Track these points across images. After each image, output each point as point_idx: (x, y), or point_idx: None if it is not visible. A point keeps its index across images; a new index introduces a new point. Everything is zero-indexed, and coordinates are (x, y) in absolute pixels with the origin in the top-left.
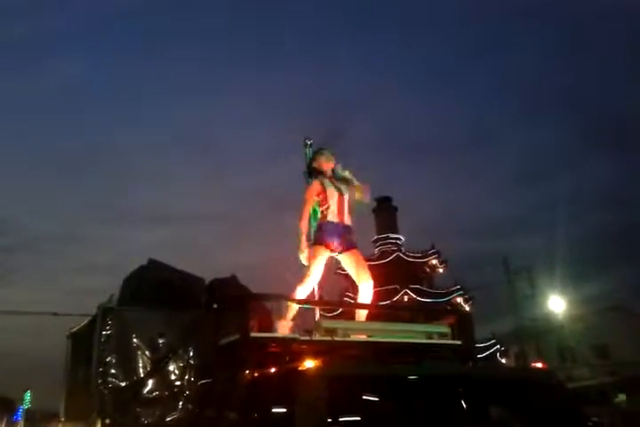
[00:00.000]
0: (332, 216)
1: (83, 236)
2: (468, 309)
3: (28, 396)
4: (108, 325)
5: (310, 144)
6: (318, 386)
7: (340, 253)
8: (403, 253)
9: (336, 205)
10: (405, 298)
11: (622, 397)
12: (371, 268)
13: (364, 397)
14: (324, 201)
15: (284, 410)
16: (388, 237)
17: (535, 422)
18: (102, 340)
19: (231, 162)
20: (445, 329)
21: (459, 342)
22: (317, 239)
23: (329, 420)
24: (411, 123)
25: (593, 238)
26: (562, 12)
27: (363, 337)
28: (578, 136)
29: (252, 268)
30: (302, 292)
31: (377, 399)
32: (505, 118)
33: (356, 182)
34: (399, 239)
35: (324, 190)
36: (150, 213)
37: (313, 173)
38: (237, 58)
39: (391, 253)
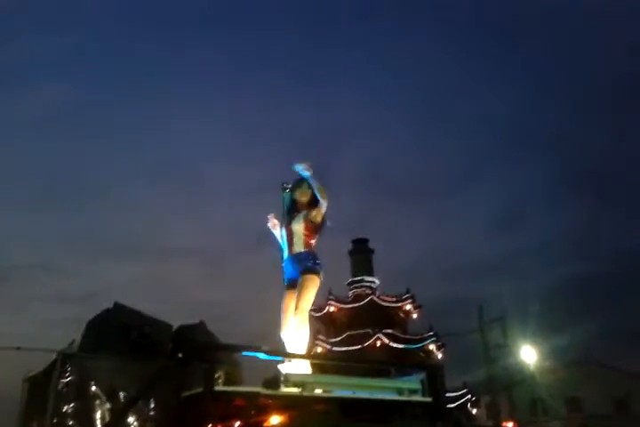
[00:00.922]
0: (285, 251)
1: (55, 266)
2: (440, 356)
3: None
4: (68, 372)
5: (288, 188)
6: None
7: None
8: (377, 297)
9: (286, 239)
10: (378, 343)
11: None
12: (344, 310)
13: None
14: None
15: None
16: (362, 280)
17: None
18: (59, 388)
19: (210, 196)
20: (416, 385)
21: (429, 400)
22: (284, 281)
23: None
24: (393, 163)
25: (566, 288)
26: (541, 51)
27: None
28: (556, 181)
29: (226, 304)
30: (282, 331)
31: None
32: (485, 161)
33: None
34: (374, 282)
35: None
36: (126, 245)
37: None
38: (223, 86)
39: (365, 297)
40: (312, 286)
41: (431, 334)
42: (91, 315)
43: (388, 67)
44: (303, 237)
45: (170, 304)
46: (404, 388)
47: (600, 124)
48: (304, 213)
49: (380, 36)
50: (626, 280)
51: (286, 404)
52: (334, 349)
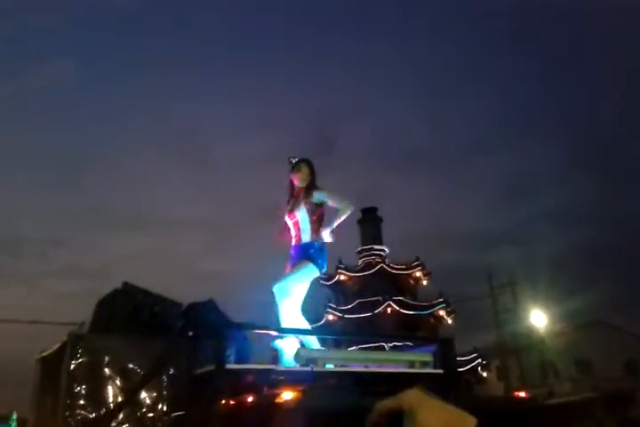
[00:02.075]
0: (293, 239)
1: (65, 240)
2: (450, 321)
3: (14, 417)
4: (78, 353)
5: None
6: (296, 418)
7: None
8: (387, 265)
9: (292, 227)
10: (388, 310)
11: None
12: (354, 279)
13: None
14: (285, 226)
15: None
16: (372, 249)
17: None
18: (71, 369)
19: (219, 169)
20: (427, 358)
21: (440, 371)
22: (324, 261)
23: None
24: (401, 132)
25: (576, 253)
26: (555, 32)
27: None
28: (565, 153)
29: (234, 275)
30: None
31: None
32: (495, 133)
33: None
34: (383, 251)
35: (290, 212)
36: (136, 218)
37: (289, 191)
38: (230, 64)
39: (375, 265)
40: (305, 273)
41: (441, 300)
42: (102, 288)
43: (398, 38)
44: (309, 225)
45: (178, 276)
46: (416, 360)
47: (613, 95)
48: (305, 199)
49: (391, 10)
50: (637, 245)
51: (298, 379)
52: (345, 316)
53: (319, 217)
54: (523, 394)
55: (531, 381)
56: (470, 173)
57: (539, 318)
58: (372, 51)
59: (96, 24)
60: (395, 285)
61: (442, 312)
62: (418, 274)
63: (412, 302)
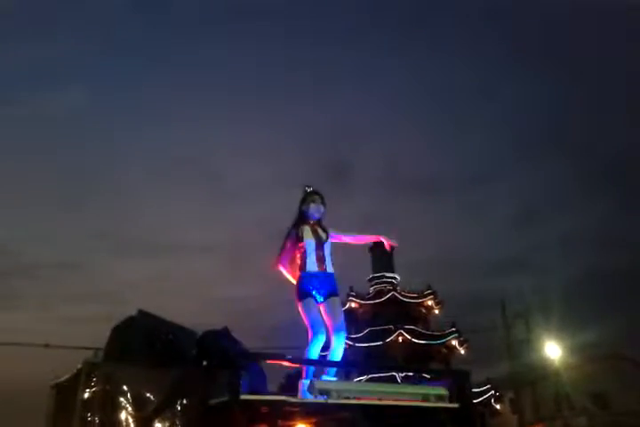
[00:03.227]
0: (312, 266)
1: (81, 264)
2: (463, 351)
3: None
4: (93, 382)
5: (311, 191)
6: None
7: (322, 301)
8: (398, 293)
9: (314, 254)
10: (400, 339)
11: None
12: (365, 307)
13: None
14: (301, 250)
15: None
16: (383, 276)
17: None
18: (85, 397)
19: (232, 191)
20: (443, 391)
21: (456, 406)
22: (301, 293)
23: None
24: (412, 158)
25: (590, 283)
26: (560, 51)
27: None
28: (573, 177)
29: (249, 300)
30: (313, 351)
31: None
32: (503, 158)
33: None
34: (395, 278)
35: (301, 239)
36: (150, 242)
37: (299, 217)
38: (240, 85)
39: (386, 293)
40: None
41: (453, 330)
42: (114, 313)
43: (405, 64)
44: (330, 257)
45: (192, 301)
46: (431, 394)
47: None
48: (326, 231)
49: (394, 30)
50: None
51: (312, 411)
52: (356, 345)
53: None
54: None
55: (545, 413)
56: (482, 199)
57: (553, 350)
58: (383, 74)
59: (106, 50)
60: (406, 313)
61: (454, 342)
62: (430, 302)
63: (423, 331)
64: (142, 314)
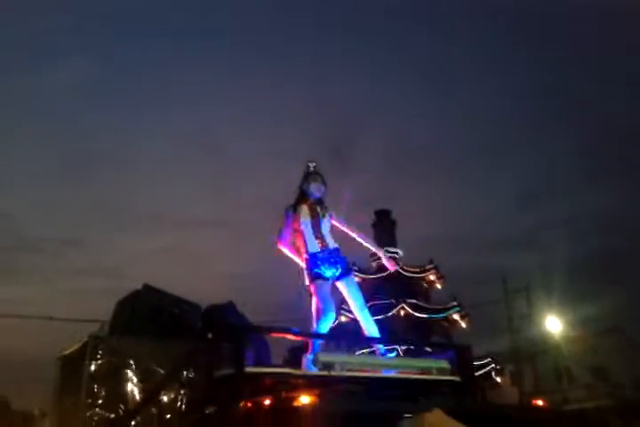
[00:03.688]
0: (313, 246)
1: (84, 239)
2: (464, 325)
3: None
4: (99, 354)
5: (314, 168)
6: (313, 421)
7: (336, 280)
8: (400, 268)
9: (312, 233)
10: (402, 313)
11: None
12: (367, 282)
13: None
14: (300, 232)
15: None
16: (385, 251)
17: None
18: (92, 370)
19: (236, 167)
20: (445, 365)
21: (458, 379)
22: (311, 275)
23: None
24: (417, 134)
25: (593, 260)
26: (565, 24)
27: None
28: (588, 157)
29: (252, 277)
30: (322, 329)
31: None
32: (508, 135)
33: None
34: (397, 253)
35: (298, 220)
36: (152, 217)
37: (299, 196)
38: (246, 63)
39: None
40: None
41: (455, 304)
42: (118, 287)
43: (412, 36)
44: (331, 233)
45: (196, 275)
46: (433, 367)
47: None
48: (326, 209)
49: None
50: None
51: (315, 384)
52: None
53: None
54: (540, 402)
55: (545, 386)
56: (486, 176)
57: (554, 324)
58: (392, 48)
59: (110, 20)
60: (408, 288)
61: (455, 316)
62: (432, 277)
63: (425, 305)
64: (147, 288)
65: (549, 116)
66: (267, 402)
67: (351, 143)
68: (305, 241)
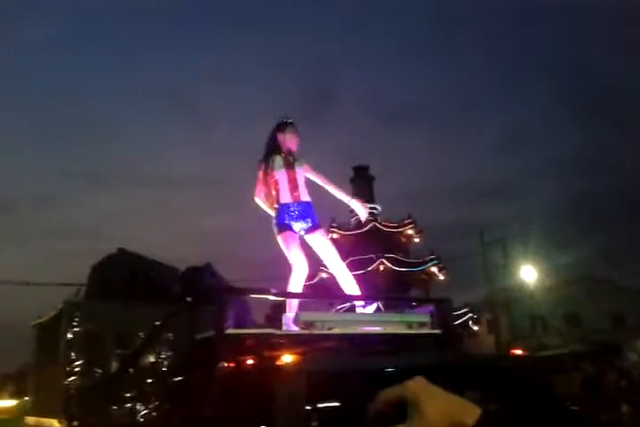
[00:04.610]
0: (285, 197)
1: (58, 198)
2: (442, 277)
3: None
4: (75, 321)
5: (284, 122)
6: (297, 380)
7: (304, 234)
8: (379, 223)
9: (286, 184)
10: (381, 267)
11: (635, 356)
12: (347, 237)
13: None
14: (273, 182)
15: (262, 405)
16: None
17: (513, 409)
18: (69, 337)
19: (216, 122)
20: (425, 318)
21: (438, 332)
22: (279, 226)
23: (308, 408)
24: (392, 88)
25: (568, 208)
26: None
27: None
28: (558, 104)
29: (234, 233)
30: (295, 283)
31: (355, 391)
32: (486, 86)
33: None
34: (376, 209)
35: (272, 170)
36: (131, 176)
37: (271, 148)
38: (228, 16)
39: (367, 223)
40: (329, 240)
41: (432, 257)
42: (97, 248)
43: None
44: (304, 185)
45: (176, 234)
46: (413, 321)
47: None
48: (300, 160)
49: None
50: (627, 199)
51: (297, 342)
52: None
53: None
54: (519, 351)
55: (520, 333)
56: (463, 129)
57: (529, 273)
58: (363, 12)
59: None
60: (387, 243)
61: (434, 269)
62: (410, 232)
63: (404, 259)
64: (122, 252)
65: (526, 67)
66: (249, 362)
67: (333, 98)
68: (278, 191)
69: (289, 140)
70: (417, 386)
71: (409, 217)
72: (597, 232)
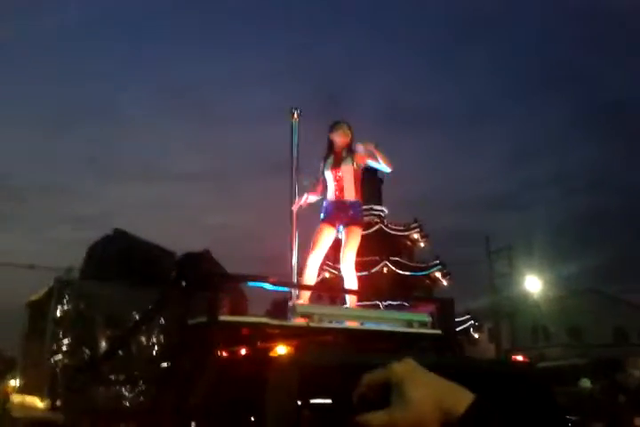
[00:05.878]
0: (330, 194)
1: (71, 188)
2: (445, 283)
3: None
4: (65, 299)
5: (298, 114)
6: (290, 373)
7: (341, 228)
8: (385, 226)
9: (333, 183)
10: (385, 270)
11: (586, 382)
12: None
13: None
14: (322, 180)
15: (252, 395)
16: (371, 209)
17: (512, 416)
18: (57, 315)
19: (224, 120)
20: (426, 318)
21: (439, 332)
22: (322, 217)
23: (299, 403)
24: (406, 93)
25: (575, 220)
26: None
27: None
28: (570, 118)
29: (236, 228)
30: (308, 263)
31: (349, 387)
32: (500, 96)
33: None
34: (382, 211)
35: (322, 173)
36: (141, 169)
37: (327, 147)
38: (238, 11)
39: (373, 225)
40: (359, 239)
41: (437, 262)
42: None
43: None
44: (353, 184)
45: (181, 228)
46: (414, 320)
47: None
48: (350, 157)
49: None
50: (633, 214)
51: (293, 334)
52: (341, 274)
53: (361, 177)
54: (520, 358)
55: (522, 344)
56: (475, 136)
57: (533, 284)
58: (385, 4)
59: None
60: (392, 245)
61: (438, 274)
62: (415, 236)
63: (408, 263)
64: (119, 233)
65: (541, 80)
66: (241, 352)
67: (341, 98)
68: (326, 189)
69: (338, 137)
70: (403, 368)
71: (415, 221)
72: (603, 246)
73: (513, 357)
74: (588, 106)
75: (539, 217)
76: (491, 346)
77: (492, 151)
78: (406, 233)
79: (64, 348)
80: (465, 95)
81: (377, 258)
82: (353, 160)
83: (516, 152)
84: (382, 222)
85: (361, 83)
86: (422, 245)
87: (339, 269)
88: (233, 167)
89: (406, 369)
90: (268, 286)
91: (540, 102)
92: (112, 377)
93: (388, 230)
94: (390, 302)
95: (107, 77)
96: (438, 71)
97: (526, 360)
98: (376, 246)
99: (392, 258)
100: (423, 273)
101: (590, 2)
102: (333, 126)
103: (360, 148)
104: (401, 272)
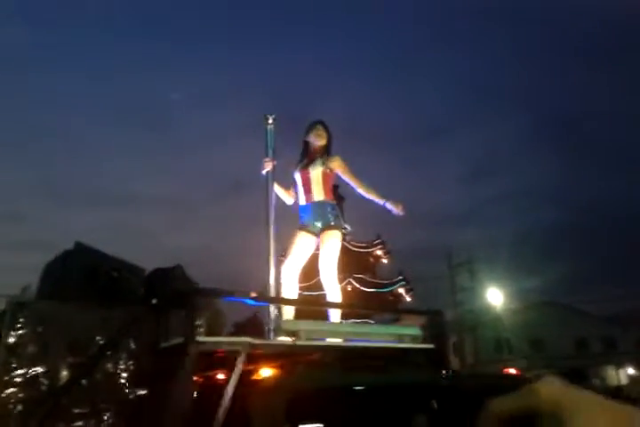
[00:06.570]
0: (301, 197)
1: (22, 213)
2: (409, 299)
3: None
4: (20, 323)
5: (272, 120)
6: (275, 397)
7: (318, 231)
8: (348, 243)
9: (301, 185)
10: (348, 287)
11: None
12: (315, 256)
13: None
14: (293, 183)
15: (236, 425)
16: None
17: None
18: (10, 342)
19: (181, 141)
20: (417, 331)
21: (431, 346)
22: (298, 222)
23: None
24: (366, 112)
25: (534, 234)
26: (523, 13)
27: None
28: (526, 136)
29: (202, 251)
30: (283, 273)
31: (340, 408)
32: (457, 115)
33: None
34: (345, 228)
35: (292, 178)
36: (94, 192)
37: (302, 149)
38: (202, 34)
39: None
40: (338, 243)
41: (400, 278)
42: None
43: (363, 22)
44: (322, 185)
45: (140, 250)
46: (405, 334)
47: (575, 78)
48: (322, 159)
49: None
50: (590, 229)
51: (278, 354)
52: (304, 293)
53: (332, 179)
54: (512, 371)
55: (485, 357)
56: (433, 154)
57: (495, 297)
58: (343, 29)
59: None
60: (355, 262)
61: (401, 290)
62: (378, 252)
63: (371, 279)
64: (81, 247)
65: (502, 95)
66: (221, 376)
67: (302, 119)
68: (297, 194)
69: (314, 139)
70: (558, 393)
71: (378, 237)
72: (562, 260)
73: (505, 369)
74: (550, 122)
75: (499, 231)
76: (455, 360)
77: (451, 169)
78: (369, 250)
79: (18, 379)
80: (424, 112)
81: (340, 276)
82: (325, 163)
83: (476, 169)
84: (345, 240)
85: (318, 105)
86: (385, 261)
87: (301, 289)
88: (191, 189)
89: (562, 392)
90: (249, 301)
91: (500, 119)
92: (75, 410)
93: (351, 247)
94: (367, 320)
95: (57, 97)
96: (394, 92)
97: (519, 373)
98: (339, 264)
99: (355, 275)
100: (386, 289)
101: (555, 20)
102: (307, 128)
103: (337, 158)
104: (365, 289)
